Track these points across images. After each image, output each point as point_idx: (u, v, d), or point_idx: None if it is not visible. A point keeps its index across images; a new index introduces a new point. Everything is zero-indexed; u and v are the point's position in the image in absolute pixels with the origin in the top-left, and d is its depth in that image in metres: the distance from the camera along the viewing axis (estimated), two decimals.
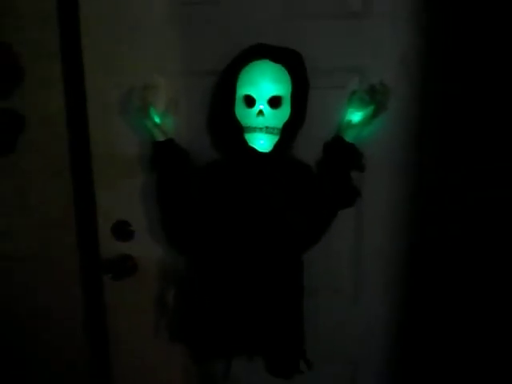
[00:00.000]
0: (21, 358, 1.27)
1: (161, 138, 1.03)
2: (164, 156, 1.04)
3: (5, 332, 1.24)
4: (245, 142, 0.97)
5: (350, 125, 1.02)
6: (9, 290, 1.22)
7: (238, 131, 0.97)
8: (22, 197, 1.17)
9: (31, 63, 1.09)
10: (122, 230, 1.15)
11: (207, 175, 1.04)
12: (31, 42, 1.08)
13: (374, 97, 0.98)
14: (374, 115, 0.99)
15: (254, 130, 0.95)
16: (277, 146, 0.97)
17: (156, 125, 1.02)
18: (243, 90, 0.96)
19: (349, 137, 1.01)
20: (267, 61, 0.94)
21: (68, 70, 1.10)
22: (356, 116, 1.01)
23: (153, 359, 1.22)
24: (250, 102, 0.95)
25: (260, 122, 0.95)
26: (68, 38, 1.08)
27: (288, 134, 0.98)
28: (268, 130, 0.95)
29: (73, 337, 1.24)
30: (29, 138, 1.13)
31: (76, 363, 1.26)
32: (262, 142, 0.96)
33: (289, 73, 0.95)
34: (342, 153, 1.02)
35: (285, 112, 0.96)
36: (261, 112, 0.94)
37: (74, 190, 1.16)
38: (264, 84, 0.94)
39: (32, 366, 1.27)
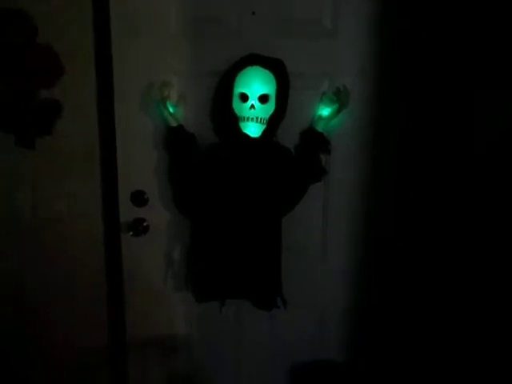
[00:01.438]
0: (47, 303, 1.54)
1: (173, 124, 1.30)
2: (175, 138, 1.32)
3: (39, 278, 1.51)
4: (239, 129, 1.25)
5: (320, 118, 1.31)
6: (43, 247, 1.48)
7: (234, 120, 1.25)
8: (57, 171, 1.43)
9: (70, 61, 1.35)
10: (139, 198, 1.42)
11: (209, 155, 1.32)
12: (70, 44, 1.34)
13: (339, 97, 1.28)
14: (338, 111, 1.29)
15: (247, 119, 1.24)
16: (264, 133, 1.26)
17: (170, 114, 1.30)
18: (239, 88, 1.24)
19: (319, 127, 1.31)
20: (258, 67, 1.23)
21: (99, 67, 1.36)
22: (325, 111, 1.30)
23: (160, 303, 1.50)
24: (244, 98, 1.23)
25: (252, 113, 1.23)
26: (100, 42, 1.35)
27: (273, 123, 1.27)
28: (258, 120, 1.24)
29: (95, 286, 1.51)
30: (64, 123, 1.40)
31: (95, 310, 1.53)
32: (253, 130, 1.25)
33: (274, 76, 1.24)
34: (314, 140, 1.31)
35: (271, 106, 1.25)
36: (253, 106, 1.23)
37: (100, 166, 1.43)
38: (255, 84, 1.23)
39: (59, 307, 1.54)
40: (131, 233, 1.40)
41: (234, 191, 1.29)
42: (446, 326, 1.32)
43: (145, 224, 1.43)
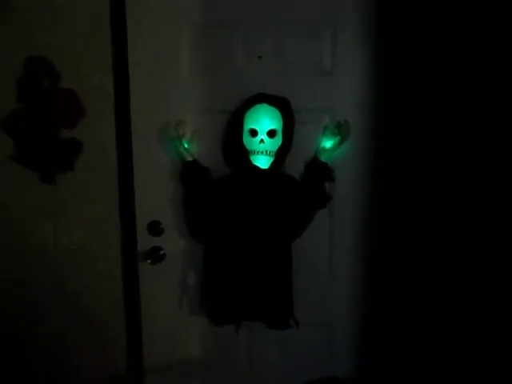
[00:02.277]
0: (66, 331, 1.59)
1: (188, 158, 1.41)
2: (190, 172, 1.42)
3: (59, 308, 1.57)
4: (250, 162, 1.36)
5: (323, 149, 1.42)
6: (64, 278, 1.55)
7: (245, 154, 1.36)
8: (78, 204, 1.52)
9: (90, 103, 1.46)
10: (155, 228, 1.51)
11: (222, 185, 1.42)
12: (91, 88, 1.45)
13: (340, 130, 1.40)
14: (340, 143, 1.41)
15: (257, 153, 1.35)
16: (273, 165, 1.37)
17: (185, 149, 1.40)
18: (249, 125, 1.35)
19: (323, 158, 1.42)
20: (265, 105, 1.35)
21: (118, 108, 1.47)
22: (327, 143, 1.42)
23: (176, 328, 1.56)
24: (254, 133, 1.35)
25: (261, 147, 1.34)
26: (119, 85, 1.46)
27: (280, 155, 1.38)
28: (267, 153, 1.35)
29: (113, 313, 1.57)
30: (85, 159, 1.50)
31: (114, 334, 1.59)
32: (263, 162, 1.35)
33: (281, 113, 1.36)
34: (318, 169, 1.43)
35: (278, 140, 1.36)
36: (262, 140, 1.34)
37: (119, 198, 1.52)
38: (264, 121, 1.34)
39: (76, 336, 1.60)
40: (149, 261, 1.48)
41: (245, 219, 1.38)
42: (454, 341, 1.39)
43: (161, 252, 1.51)
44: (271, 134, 1.35)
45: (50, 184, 1.50)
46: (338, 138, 1.40)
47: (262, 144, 1.34)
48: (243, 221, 1.38)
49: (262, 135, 1.34)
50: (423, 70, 1.40)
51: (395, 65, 1.42)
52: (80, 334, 1.58)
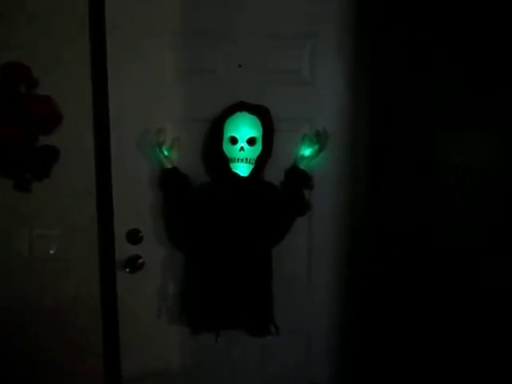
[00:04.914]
0: (41, 341, 1.56)
1: (168, 165, 1.41)
2: (170, 179, 1.42)
3: (34, 317, 1.53)
4: (230, 169, 1.37)
5: (302, 157, 1.44)
6: (40, 285, 1.52)
7: (225, 161, 1.37)
8: (55, 212, 1.49)
9: (68, 110, 1.44)
10: (134, 236, 1.50)
11: (202, 193, 1.42)
12: (69, 94, 1.43)
13: (319, 139, 1.42)
14: (318, 151, 1.43)
15: (237, 160, 1.35)
16: (252, 172, 1.38)
17: (165, 156, 1.40)
18: (229, 133, 1.36)
19: (302, 166, 1.44)
20: (246, 113, 1.36)
21: (97, 115, 1.46)
22: (306, 151, 1.44)
23: (155, 337, 1.55)
24: (234, 141, 1.35)
25: (241, 155, 1.35)
26: (98, 92, 1.45)
27: (260, 163, 1.39)
28: (246, 160, 1.36)
29: (91, 322, 1.55)
30: (62, 167, 1.47)
31: (91, 344, 1.56)
32: (242, 169, 1.36)
33: (260, 121, 1.37)
34: (297, 177, 1.44)
35: (258, 148, 1.37)
36: (242, 148, 1.35)
37: (96, 206, 1.50)
38: (244, 129, 1.35)
39: (52, 346, 1.56)
40: (128, 269, 1.46)
41: (225, 226, 1.38)
42: (434, 354, 1.41)
43: (140, 261, 1.50)
44: (251, 141, 1.36)
45: (25, 192, 1.47)
46: (316, 147, 1.42)
47: (241, 152, 1.35)
48: (223, 228, 1.38)
49: (242, 143, 1.35)
50: (400, 82, 1.43)
51: (372, 76, 1.45)
52: (56, 343, 1.55)
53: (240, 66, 1.42)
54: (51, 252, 1.50)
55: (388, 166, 1.48)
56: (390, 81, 1.44)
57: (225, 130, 1.37)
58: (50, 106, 1.43)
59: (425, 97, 1.38)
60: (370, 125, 1.47)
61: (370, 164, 1.49)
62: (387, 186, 1.49)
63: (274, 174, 1.46)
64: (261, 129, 1.37)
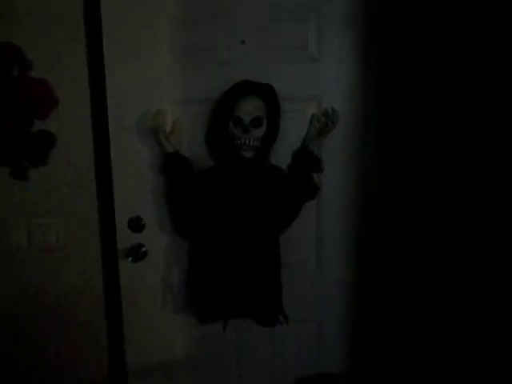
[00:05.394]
0: (43, 333, 1.51)
1: (169, 150, 1.34)
2: (172, 163, 1.35)
3: (35, 309, 1.49)
4: (235, 151, 1.30)
5: (311, 138, 1.38)
6: (41, 276, 1.47)
7: (229, 143, 1.30)
8: (53, 201, 1.43)
9: (64, 92, 1.37)
10: (136, 224, 1.44)
11: (205, 177, 1.36)
12: (64, 76, 1.36)
13: (328, 118, 1.35)
14: (327, 132, 1.36)
15: (241, 142, 1.29)
16: (258, 154, 1.32)
17: (166, 140, 1.34)
18: (233, 113, 1.29)
19: (310, 147, 1.37)
20: (250, 92, 1.29)
21: (94, 98, 1.39)
22: (315, 132, 1.37)
23: (161, 328, 1.50)
24: (238, 121, 1.28)
25: (246, 136, 1.28)
26: (94, 73, 1.38)
27: (266, 144, 1.33)
28: (252, 141, 1.29)
29: (94, 313, 1.50)
30: (59, 153, 1.41)
31: (95, 336, 1.52)
32: (248, 151, 1.30)
33: (265, 101, 1.30)
34: (306, 159, 1.38)
35: (263, 128, 1.30)
36: (247, 129, 1.28)
37: (96, 193, 1.44)
38: (248, 109, 1.29)
39: (56, 338, 1.52)
40: (130, 258, 1.41)
41: (230, 211, 1.32)
42: (444, 336, 1.37)
43: (143, 249, 1.44)
44: (256, 122, 1.29)
45: (22, 180, 1.41)
46: (325, 127, 1.35)
47: (246, 133, 1.28)
48: (229, 213, 1.33)
49: (247, 123, 1.28)
50: (412, 57, 1.36)
51: (384, 50, 1.37)
52: (59, 335, 1.51)
53: (243, 42, 1.34)
54: (50, 242, 1.45)
55: (399, 146, 1.41)
56: (404, 55, 1.36)
57: (228, 111, 1.30)
58: (44, 88, 1.37)
59: (441, 73, 1.32)
60: (382, 102, 1.39)
61: (381, 144, 1.42)
62: (399, 167, 1.42)
63: (281, 157, 1.39)
64: (266, 108, 1.31)
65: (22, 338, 1.50)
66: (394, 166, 1.43)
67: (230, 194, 1.33)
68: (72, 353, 1.52)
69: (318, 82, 1.38)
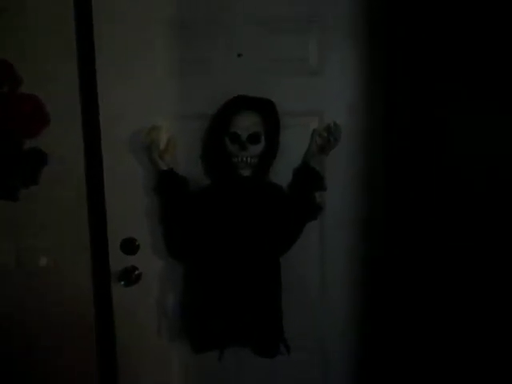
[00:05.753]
0: (34, 357, 1.44)
1: (163, 167, 1.28)
2: (166, 182, 1.28)
3: (22, 334, 1.42)
4: (232, 169, 1.24)
5: (312, 155, 1.30)
6: (29, 301, 1.40)
7: (226, 161, 1.24)
8: (44, 221, 1.37)
9: (55, 110, 1.32)
10: (130, 245, 1.37)
11: (201, 197, 1.29)
12: (56, 93, 1.32)
13: (330, 133, 1.28)
14: (330, 148, 1.28)
15: (238, 159, 1.22)
16: (256, 172, 1.25)
17: (160, 157, 1.27)
18: (230, 129, 1.23)
19: (312, 164, 1.30)
20: (247, 107, 1.23)
21: (86, 115, 1.34)
22: (317, 148, 1.30)
23: (156, 356, 1.42)
24: (235, 138, 1.22)
25: (243, 153, 1.22)
26: (87, 89, 1.33)
27: (264, 162, 1.26)
28: (249, 159, 1.22)
29: (85, 340, 1.42)
30: (50, 172, 1.35)
31: (85, 367, 1.43)
32: (245, 169, 1.23)
33: (264, 116, 1.24)
34: (307, 176, 1.30)
35: (261, 145, 1.24)
36: (244, 146, 1.21)
37: (88, 214, 1.38)
38: (246, 125, 1.22)
39: (46, 362, 1.44)
40: (122, 282, 1.33)
41: (227, 233, 1.25)
42: (450, 360, 1.27)
43: (136, 272, 1.37)
44: (254, 138, 1.23)
45: (11, 200, 1.35)
46: (327, 143, 1.28)
47: (243, 150, 1.21)
48: (226, 235, 1.25)
49: (244, 140, 1.22)
50: (414, 67, 1.28)
51: (386, 63, 1.30)
52: (47, 367, 1.43)
53: (240, 55, 1.29)
54: (40, 264, 1.38)
55: (406, 163, 1.33)
56: (407, 65, 1.28)
57: (225, 127, 1.23)
58: (35, 104, 1.32)
59: (442, 77, 1.24)
60: (385, 116, 1.31)
61: (387, 160, 1.33)
62: (406, 186, 1.33)
63: (281, 175, 1.32)
64: (264, 124, 1.24)
65: (7, 364, 1.43)
66: (401, 182, 1.34)
67: (227, 215, 1.25)
68: (61, 382, 1.43)
69: (320, 95, 1.31)
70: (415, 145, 1.30)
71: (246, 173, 1.24)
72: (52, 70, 1.32)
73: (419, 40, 1.25)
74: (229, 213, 1.25)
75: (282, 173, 1.32)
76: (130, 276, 1.36)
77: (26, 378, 1.44)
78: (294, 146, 1.31)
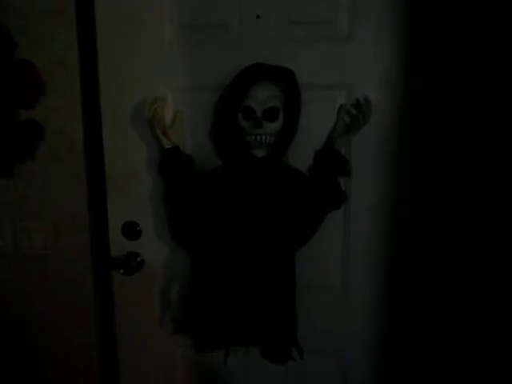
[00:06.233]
0: (35, 349, 1.37)
1: (168, 145, 1.14)
2: (171, 162, 1.15)
3: (22, 323, 1.34)
4: (245, 148, 1.08)
5: (337, 135, 1.13)
6: (27, 285, 1.32)
7: (239, 139, 1.08)
8: (41, 200, 1.27)
9: (52, 78, 1.20)
10: (131, 230, 1.25)
11: (210, 179, 1.15)
12: (52, 59, 1.20)
13: (359, 110, 1.10)
14: (358, 127, 1.11)
15: (253, 137, 1.06)
16: (272, 152, 1.09)
17: (163, 134, 1.14)
18: (244, 103, 1.07)
19: (337, 146, 1.13)
20: (264, 77, 1.06)
21: (85, 84, 1.22)
22: (343, 127, 1.13)
23: (157, 350, 1.31)
24: (249, 113, 1.07)
25: (258, 130, 1.06)
26: (86, 55, 1.20)
27: (282, 142, 1.10)
28: (265, 138, 1.07)
29: (83, 329, 1.33)
30: (47, 147, 1.24)
31: (83, 358, 1.36)
32: (259, 149, 1.08)
33: (283, 88, 1.07)
34: (331, 160, 1.13)
35: (279, 122, 1.08)
36: (259, 122, 1.06)
37: (88, 194, 1.26)
38: (262, 98, 1.06)
39: (45, 352, 1.37)
40: (122, 270, 1.22)
41: (238, 221, 1.11)
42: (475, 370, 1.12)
43: (138, 259, 1.25)
44: (271, 114, 1.07)
45: (7, 176, 1.25)
46: (356, 121, 1.10)
47: (258, 127, 1.06)
48: (236, 223, 1.11)
49: (259, 116, 1.06)
50: (462, 33, 1.08)
51: (428, 27, 1.10)
52: (45, 353, 1.36)
53: (258, 16, 1.12)
54: (37, 248, 1.29)
55: (449, 144, 1.14)
56: (454, 31, 1.09)
57: (239, 101, 1.07)
58: (30, 72, 1.21)
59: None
60: (425, 91, 1.12)
61: (423, 143, 1.15)
62: (448, 171, 1.15)
63: (301, 157, 1.16)
64: (283, 98, 1.08)
65: (3, 351, 1.36)
66: (439, 166, 1.15)
67: (239, 201, 1.11)
68: (58, 373, 1.36)
69: (349, 66, 1.13)
70: (470, 132, 1.11)
71: (261, 153, 1.09)
72: (49, 34, 1.19)
73: None
74: (240, 199, 1.11)
75: (302, 155, 1.16)
76: (132, 263, 1.24)
77: (26, 362, 1.38)
78: (316, 125, 1.15)
